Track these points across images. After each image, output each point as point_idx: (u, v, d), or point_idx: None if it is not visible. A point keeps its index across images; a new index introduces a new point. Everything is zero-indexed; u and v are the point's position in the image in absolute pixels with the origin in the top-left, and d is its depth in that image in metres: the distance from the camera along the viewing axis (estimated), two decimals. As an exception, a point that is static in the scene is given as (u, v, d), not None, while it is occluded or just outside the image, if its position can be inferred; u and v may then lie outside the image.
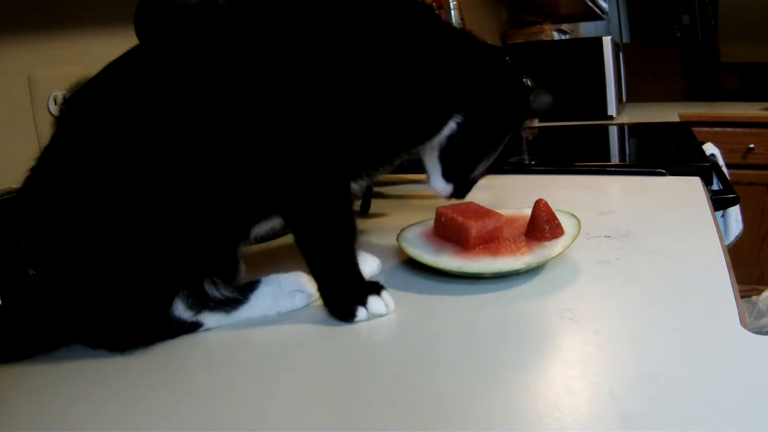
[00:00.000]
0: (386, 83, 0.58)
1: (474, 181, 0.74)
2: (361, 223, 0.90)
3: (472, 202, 0.70)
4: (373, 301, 0.56)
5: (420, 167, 0.72)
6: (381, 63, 0.58)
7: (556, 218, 0.66)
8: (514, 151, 0.75)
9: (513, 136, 0.72)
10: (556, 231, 0.65)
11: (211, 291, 0.56)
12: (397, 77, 0.58)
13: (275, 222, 0.61)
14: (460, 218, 0.65)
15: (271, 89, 0.54)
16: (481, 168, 0.72)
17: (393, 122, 0.60)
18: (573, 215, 0.71)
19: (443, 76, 0.62)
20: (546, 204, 0.66)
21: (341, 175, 0.58)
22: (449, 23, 0.70)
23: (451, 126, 0.65)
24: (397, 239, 0.70)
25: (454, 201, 0.73)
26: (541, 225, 0.65)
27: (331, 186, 0.57)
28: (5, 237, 0.57)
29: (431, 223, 0.73)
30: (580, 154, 1.59)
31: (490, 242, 0.65)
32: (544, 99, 0.73)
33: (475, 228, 0.63)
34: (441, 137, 0.66)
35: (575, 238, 0.65)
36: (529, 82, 1.94)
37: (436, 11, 1.45)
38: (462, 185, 0.72)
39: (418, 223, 0.75)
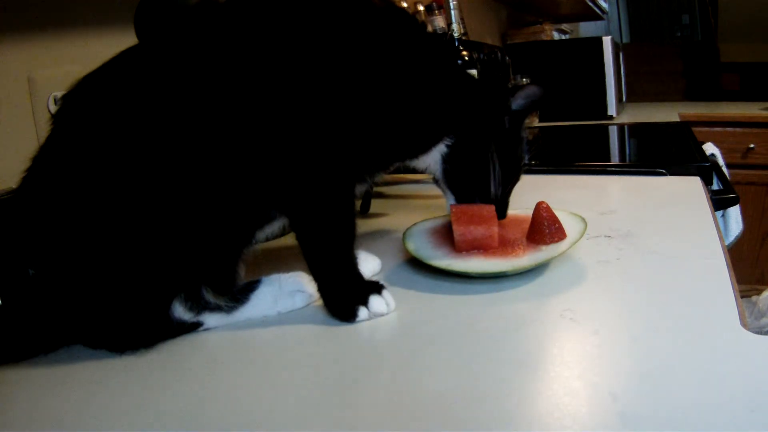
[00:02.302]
0: (377, 102, 0.60)
1: (498, 199, 0.72)
2: (361, 223, 0.89)
3: (489, 206, 0.68)
4: (375, 301, 0.56)
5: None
6: (373, 82, 0.60)
7: (557, 221, 0.65)
8: (519, 154, 0.73)
9: (514, 139, 0.72)
10: (555, 234, 0.64)
11: (208, 297, 0.56)
12: (386, 98, 0.61)
13: (277, 226, 0.61)
14: (453, 219, 0.65)
15: (279, 95, 0.54)
16: (494, 186, 0.70)
17: (383, 135, 0.62)
18: (582, 219, 0.69)
19: (428, 102, 0.65)
20: (547, 207, 0.65)
21: (345, 178, 0.58)
22: (430, 36, 0.71)
23: (441, 149, 0.69)
24: (404, 233, 0.70)
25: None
26: (542, 228, 0.64)
27: (335, 187, 0.57)
28: (5, 237, 0.57)
29: (440, 220, 0.73)
30: (580, 154, 1.59)
31: (481, 249, 0.64)
32: (528, 92, 0.71)
33: (458, 232, 0.63)
34: (435, 160, 0.70)
35: (575, 242, 0.64)
36: (527, 82, 1.95)
37: (436, 11, 1.45)
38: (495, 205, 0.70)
39: (429, 219, 0.75)
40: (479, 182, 0.70)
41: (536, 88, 0.71)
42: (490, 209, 0.67)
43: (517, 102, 0.71)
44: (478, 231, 0.63)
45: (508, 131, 0.71)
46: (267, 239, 0.64)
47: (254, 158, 0.54)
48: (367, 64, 0.59)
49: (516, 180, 0.74)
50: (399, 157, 0.68)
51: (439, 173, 0.71)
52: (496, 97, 0.71)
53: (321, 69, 0.56)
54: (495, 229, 0.64)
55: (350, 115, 0.58)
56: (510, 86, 0.77)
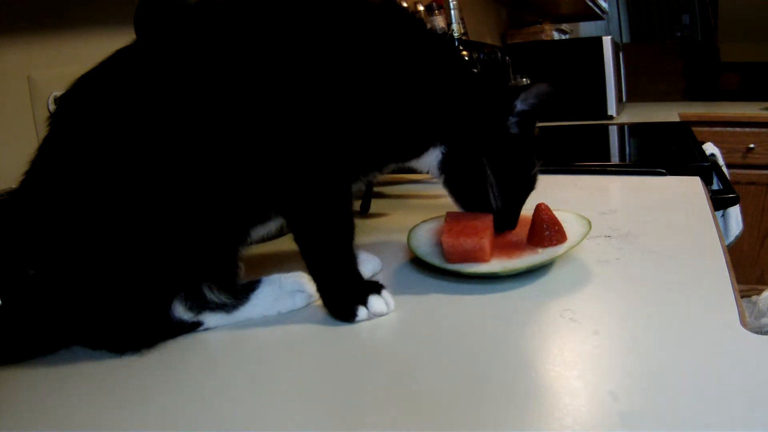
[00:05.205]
0: (369, 103, 0.59)
1: (504, 211, 0.67)
2: (361, 223, 0.90)
3: (486, 216, 0.66)
4: (374, 301, 0.56)
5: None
6: (367, 83, 0.59)
7: (557, 223, 0.64)
8: (530, 161, 0.68)
9: (523, 144, 0.66)
10: (555, 237, 0.63)
11: (209, 295, 0.56)
12: (379, 99, 0.59)
13: (273, 225, 0.61)
14: (445, 229, 0.63)
15: (275, 94, 0.54)
16: (493, 198, 0.66)
17: (369, 136, 0.60)
18: (588, 222, 0.68)
19: (412, 103, 0.62)
20: (546, 208, 0.64)
21: (342, 177, 0.58)
22: (426, 35, 0.66)
23: (436, 155, 0.66)
24: (409, 231, 0.70)
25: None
26: (541, 230, 0.64)
27: (331, 186, 0.57)
28: (5, 237, 0.57)
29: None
30: (580, 154, 1.59)
31: (472, 261, 0.62)
32: (538, 90, 0.64)
33: (447, 244, 0.62)
34: (432, 165, 0.67)
35: (572, 246, 0.64)
36: (527, 82, 1.95)
37: (436, 11, 1.45)
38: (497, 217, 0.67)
39: (436, 217, 0.74)
40: (478, 192, 0.66)
41: (545, 85, 0.64)
42: (485, 220, 0.64)
43: (527, 102, 0.65)
44: (467, 243, 0.61)
45: (515, 135, 0.65)
46: (263, 240, 0.64)
47: (250, 157, 0.54)
48: (357, 65, 0.58)
49: (528, 191, 0.68)
50: (388, 159, 0.66)
51: (439, 180, 0.68)
52: (495, 98, 0.65)
53: (316, 68, 0.56)
54: (485, 241, 0.61)
55: (341, 114, 0.57)
56: (513, 85, 0.73)
